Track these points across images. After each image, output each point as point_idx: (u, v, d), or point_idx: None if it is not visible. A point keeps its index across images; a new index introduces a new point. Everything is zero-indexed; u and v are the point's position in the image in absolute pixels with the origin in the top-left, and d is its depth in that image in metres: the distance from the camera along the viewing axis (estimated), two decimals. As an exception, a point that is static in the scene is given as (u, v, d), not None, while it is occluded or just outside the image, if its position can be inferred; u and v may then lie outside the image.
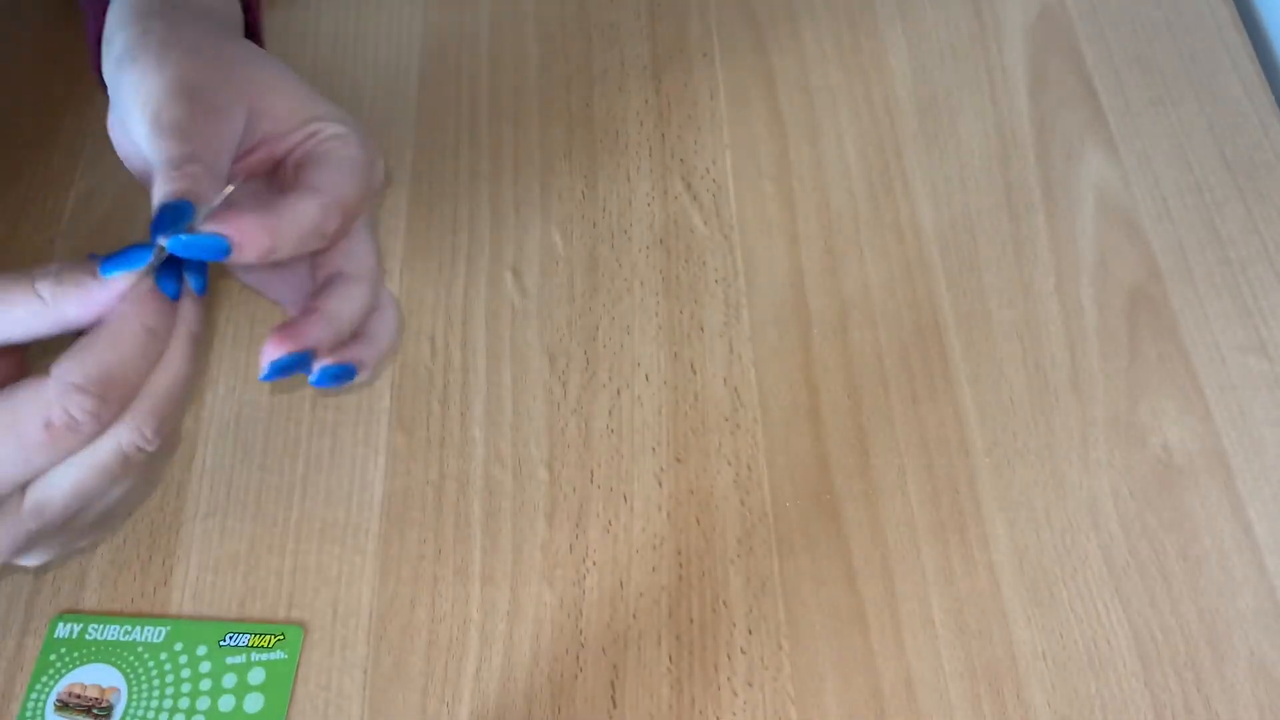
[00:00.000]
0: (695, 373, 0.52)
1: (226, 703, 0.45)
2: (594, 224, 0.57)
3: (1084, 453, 0.49)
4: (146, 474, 0.37)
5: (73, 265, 0.34)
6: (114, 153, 0.41)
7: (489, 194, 0.58)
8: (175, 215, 0.34)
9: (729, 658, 0.46)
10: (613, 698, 0.45)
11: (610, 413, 0.51)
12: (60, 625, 0.47)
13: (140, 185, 0.58)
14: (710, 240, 0.56)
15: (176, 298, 0.35)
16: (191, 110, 0.37)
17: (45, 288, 0.33)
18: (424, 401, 0.52)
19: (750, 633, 0.46)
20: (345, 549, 0.49)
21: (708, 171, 0.58)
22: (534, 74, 0.62)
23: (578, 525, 0.49)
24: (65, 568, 0.49)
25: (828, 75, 0.60)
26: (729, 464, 0.50)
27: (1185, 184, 0.55)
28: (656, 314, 0.54)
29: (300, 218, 0.37)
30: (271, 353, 0.36)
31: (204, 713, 0.45)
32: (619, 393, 0.52)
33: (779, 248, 0.55)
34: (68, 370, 0.33)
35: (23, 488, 0.34)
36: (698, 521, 0.49)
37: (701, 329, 0.53)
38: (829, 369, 0.52)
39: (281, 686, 0.46)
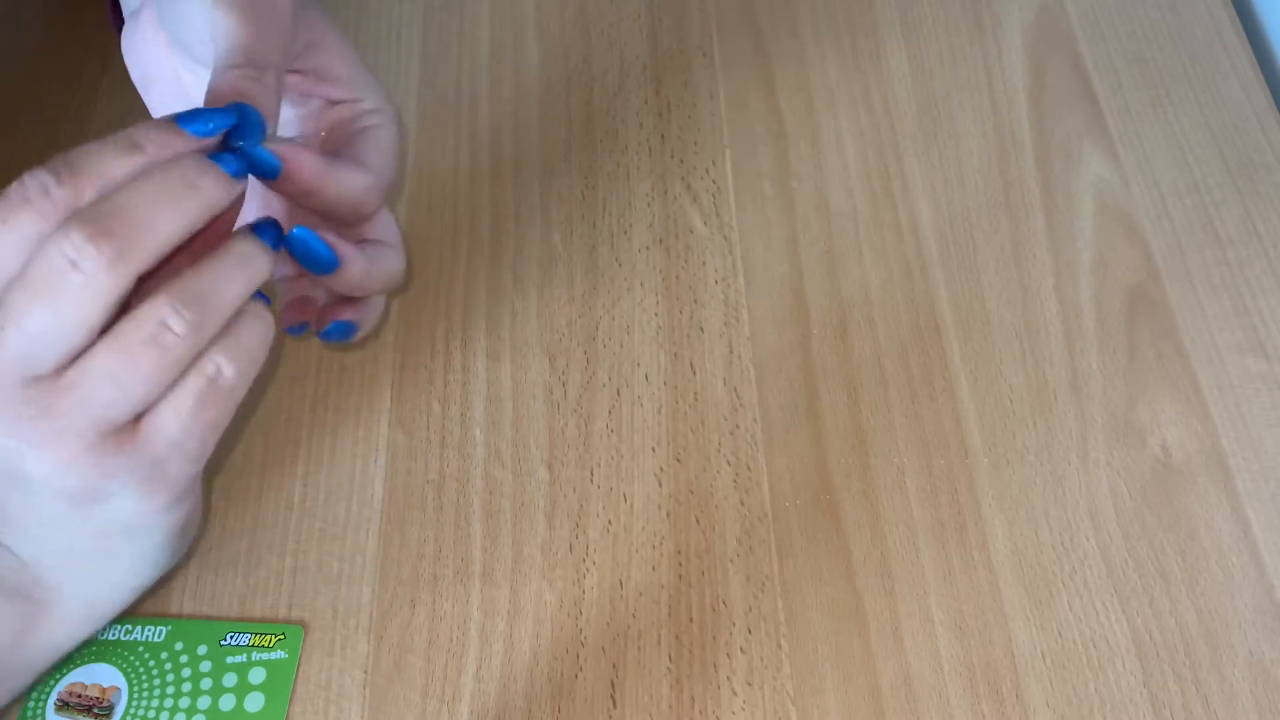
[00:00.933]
0: (695, 373, 0.52)
1: (227, 702, 0.45)
2: (594, 224, 0.57)
3: (1083, 452, 0.49)
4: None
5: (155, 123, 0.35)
6: None
7: (489, 194, 0.58)
8: (250, 126, 0.36)
9: (728, 657, 0.46)
10: (612, 697, 0.45)
11: (610, 413, 0.51)
12: (61, 625, 0.47)
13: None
14: (710, 241, 0.56)
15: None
16: None
17: (143, 135, 0.35)
18: (424, 401, 0.52)
19: (750, 632, 0.46)
20: (345, 549, 0.49)
21: (707, 172, 0.58)
22: (534, 74, 0.62)
23: (578, 525, 0.49)
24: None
25: (827, 75, 0.60)
26: (729, 464, 0.50)
27: (1184, 184, 0.55)
28: (656, 314, 0.54)
29: (350, 184, 0.40)
30: (340, 314, 0.42)
31: (204, 712, 0.45)
32: (619, 393, 0.52)
33: (778, 248, 0.55)
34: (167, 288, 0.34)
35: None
36: (697, 521, 0.49)
37: (701, 329, 0.53)
38: (828, 369, 0.52)
39: (282, 686, 0.46)
